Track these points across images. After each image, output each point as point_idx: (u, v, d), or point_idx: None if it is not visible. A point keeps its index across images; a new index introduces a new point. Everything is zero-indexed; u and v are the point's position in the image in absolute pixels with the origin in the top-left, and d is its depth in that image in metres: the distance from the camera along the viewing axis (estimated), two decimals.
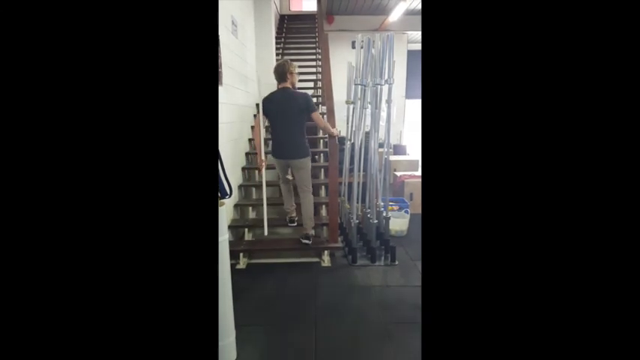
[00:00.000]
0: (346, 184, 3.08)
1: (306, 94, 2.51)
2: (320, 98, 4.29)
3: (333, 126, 2.69)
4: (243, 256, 2.68)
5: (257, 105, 4.25)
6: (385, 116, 2.78)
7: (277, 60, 5.00)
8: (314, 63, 5.35)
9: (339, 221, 2.91)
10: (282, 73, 2.49)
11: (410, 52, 6.43)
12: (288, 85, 2.51)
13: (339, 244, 2.80)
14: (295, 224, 2.81)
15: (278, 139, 2.55)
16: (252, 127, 3.72)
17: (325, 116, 3.18)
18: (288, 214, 2.85)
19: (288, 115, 2.44)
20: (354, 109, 2.85)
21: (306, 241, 2.64)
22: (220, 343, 1.46)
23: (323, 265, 2.64)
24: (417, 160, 4.82)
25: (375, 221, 2.77)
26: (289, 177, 2.72)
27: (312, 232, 2.68)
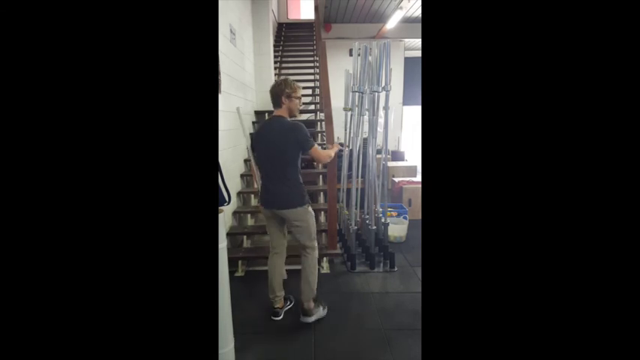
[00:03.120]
0: (344, 190, 3.09)
1: (298, 124, 1.80)
2: (318, 105, 4.31)
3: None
4: (242, 264, 2.67)
5: (255, 112, 4.30)
6: (383, 123, 2.80)
7: (275, 67, 5.04)
8: (312, 70, 5.39)
9: (337, 228, 2.91)
10: (275, 95, 1.84)
11: (407, 59, 6.49)
12: (283, 112, 1.84)
13: (338, 251, 2.79)
14: (281, 317, 2.01)
15: (265, 182, 1.91)
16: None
17: (324, 124, 3.17)
18: (272, 303, 2.02)
19: (277, 152, 1.80)
20: (351, 115, 2.87)
21: (306, 319, 1.95)
22: (220, 351, 1.45)
23: (322, 271, 2.63)
24: (416, 166, 4.84)
25: (374, 227, 2.77)
26: (284, 239, 2.02)
27: (313, 304, 1.96)
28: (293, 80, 1.87)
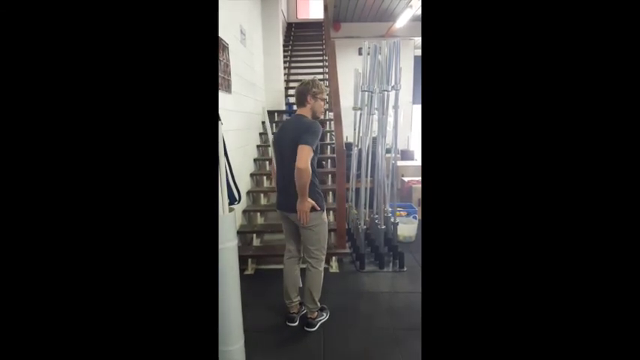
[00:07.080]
0: (353, 189, 3.09)
1: (313, 124, 1.71)
2: (327, 104, 4.33)
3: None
4: (252, 262, 2.69)
5: (265, 111, 4.31)
6: (392, 122, 2.79)
7: (284, 67, 5.05)
8: (321, 70, 5.39)
9: (346, 227, 2.91)
10: (300, 93, 1.79)
11: (417, 58, 6.43)
12: (305, 112, 1.79)
13: (347, 250, 2.79)
14: (297, 323, 1.99)
15: (279, 183, 1.85)
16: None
17: (333, 124, 3.18)
18: (287, 308, 2.01)
19: (289, 152, 1.70)
20: (361, 115, 2.87)
21: (309, 329, 1.92)
22: (229, 349, 1.47)
23: (331, 271, 2.64)
24: None
25: (383, 227, 2.77)
26: (299, 243, 1.91)
27: (316, 314, 1.96)
28: (320, 81, 1.83)
